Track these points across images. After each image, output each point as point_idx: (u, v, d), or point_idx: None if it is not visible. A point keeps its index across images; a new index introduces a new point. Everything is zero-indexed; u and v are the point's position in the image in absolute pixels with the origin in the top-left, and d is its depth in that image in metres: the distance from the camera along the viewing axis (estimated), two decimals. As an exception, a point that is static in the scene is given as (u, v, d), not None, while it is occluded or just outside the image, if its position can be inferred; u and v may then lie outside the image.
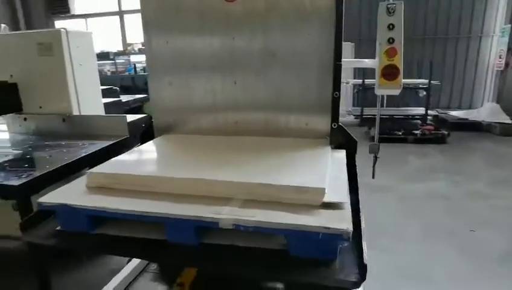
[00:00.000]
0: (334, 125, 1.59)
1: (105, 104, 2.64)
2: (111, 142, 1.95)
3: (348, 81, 7.19)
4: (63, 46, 2.09)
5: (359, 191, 1.23)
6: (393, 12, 1.30)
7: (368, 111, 7.03)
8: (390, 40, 1.32)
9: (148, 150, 1.68)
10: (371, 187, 3.70)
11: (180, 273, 2.20)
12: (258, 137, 1.75)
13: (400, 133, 5.70)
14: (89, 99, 2.33)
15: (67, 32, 2.11)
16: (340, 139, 1.68)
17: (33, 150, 1.90)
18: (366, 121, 6.80)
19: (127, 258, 2.23)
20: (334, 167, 1.38)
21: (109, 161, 1.47)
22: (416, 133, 5.68)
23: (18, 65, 2.22)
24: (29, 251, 1.52)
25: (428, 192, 3.63)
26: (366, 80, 6.71)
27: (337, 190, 1.15)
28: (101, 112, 2.50)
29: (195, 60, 1.79)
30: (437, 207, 3.31)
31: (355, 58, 6.86)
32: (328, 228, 0.97)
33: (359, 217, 1.15)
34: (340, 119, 1.65)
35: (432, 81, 6.72)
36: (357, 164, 1.51)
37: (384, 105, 8.07)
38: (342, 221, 0.99)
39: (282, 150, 1.53)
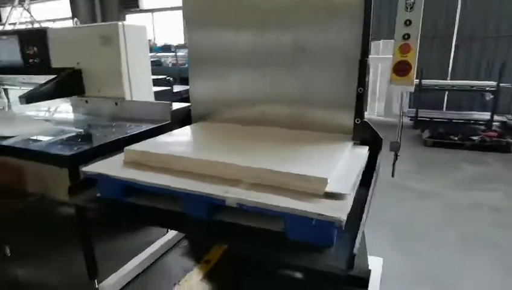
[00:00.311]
0: (357, 121, 1.60)
1: (157, 92, 2.88)
2: (154, 126, 2.15)
3: (405, 81, 6.84)
4: (119, 38, 2.35)
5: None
6: (411, 8, 1.27)
7: (423, 113, 6.64)
8: (406, 36, 1.29)
9: (181, 134, 1.84)
10: (413, 192, 3.56)
11: (208, 251, 2.37)
12: (283, 129, 1.82)
13: (456, 139, 5.30)
14: (140, 87, 2.57)
15: (123, 25, 2.36)
16: (366, 135, 1.68)
17: (89, 129, 2.18)
18: (420, 123, 6.43)
19: (162, 232, 2.47)
20: (350, 161, 1.40)
21: (145, 141, 1.66)
22: (475, 139, 5.23)
23: (83, 54, 2.53)
24: (76, 213, 1.78)
25: (477, 202, 3.37)
26: (423, 80, 6.31)
27: (343, 182, 1.19)
28: (151, 98, 2.74)
29: (229, 53, 1.91)
30: (484, 218, 3.07)
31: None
32: (322, 215, 1.02)
33: (363, 210, 1.18)
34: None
35: (502, 84, 6.11)
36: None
37: (444, 108, 7.55)
38: (337, 210, 1.04)
39: (302, 142, 1.59)
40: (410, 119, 6.98)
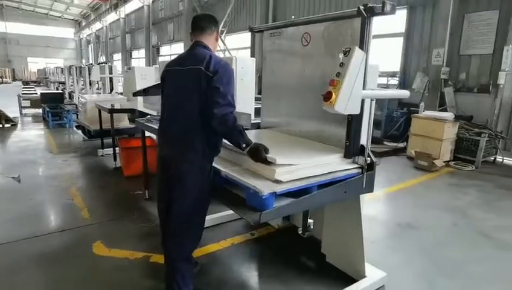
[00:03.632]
0: (347, 142, 2.01)
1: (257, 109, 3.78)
2: (237, 130, 3.04)
3: None
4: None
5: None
6: (346, 53, 1.66)
7: None
8: (337, 74, 1.67)
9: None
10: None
11: (257, 228, 3.08)
12: (307, 139, 2.38)
13: None
14: (243, 102, 3.53)
15: (236, 58, 3.39)
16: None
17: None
18: None
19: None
20: (315, 166, 1.88)
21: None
22: None
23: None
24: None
25: None
26: None
27: (288, 175, 1.74)
28: (250, 111, 3.66)
29: (284, 83, 2.62)
30: None
31: None
32: (255, 187, 1.64)
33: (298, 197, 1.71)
34: None
35: None
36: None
37: None
38: (266, 187, 1.63)
39: (304, 149, 2.12)
40: None
